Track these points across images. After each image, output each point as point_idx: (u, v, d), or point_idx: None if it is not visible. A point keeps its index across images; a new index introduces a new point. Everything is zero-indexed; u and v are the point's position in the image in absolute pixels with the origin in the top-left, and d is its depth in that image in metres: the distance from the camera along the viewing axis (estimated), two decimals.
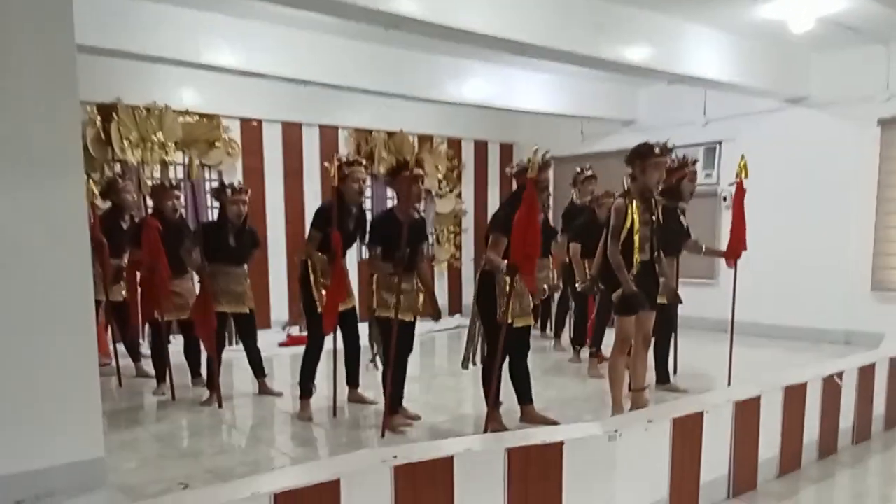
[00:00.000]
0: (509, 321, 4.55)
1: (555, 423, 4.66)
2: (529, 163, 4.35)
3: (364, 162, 5.32)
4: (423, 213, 5.26)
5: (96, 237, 5.86)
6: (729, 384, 5.54)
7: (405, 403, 5.05)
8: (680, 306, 5.64)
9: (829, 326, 8.12)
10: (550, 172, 4.76)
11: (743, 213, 5.48)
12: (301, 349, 5.41)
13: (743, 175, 5.39)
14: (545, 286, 6.20)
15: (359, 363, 5.53)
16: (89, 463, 3.88)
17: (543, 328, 8.75)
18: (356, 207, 5.24)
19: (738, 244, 5.52)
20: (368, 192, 9.88)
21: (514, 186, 4.97)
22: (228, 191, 5.62)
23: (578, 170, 7.39)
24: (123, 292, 6.39)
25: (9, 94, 3.61)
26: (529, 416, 4.91)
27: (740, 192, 5.45)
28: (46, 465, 3.74)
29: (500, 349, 4.47)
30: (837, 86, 8.02)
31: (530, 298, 4.79)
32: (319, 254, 5.09)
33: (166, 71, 7.58)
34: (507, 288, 4.48)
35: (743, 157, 5.45)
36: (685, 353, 6.45)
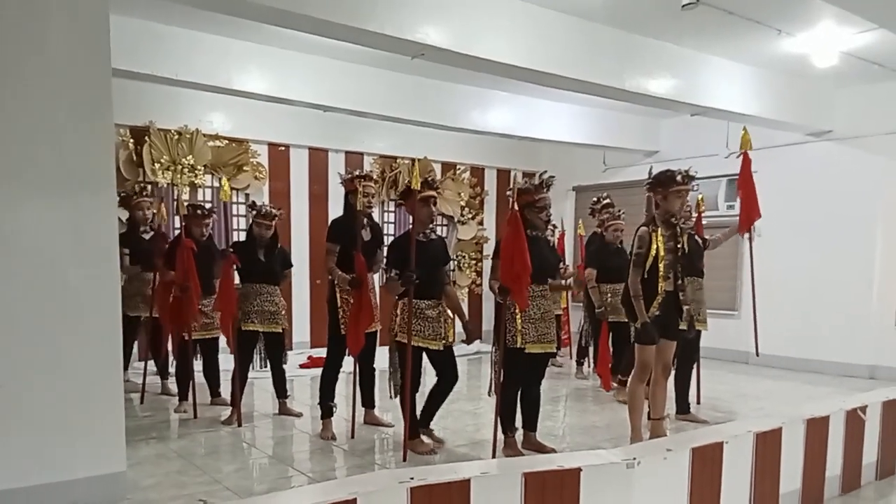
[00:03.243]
0: (519, 346, 4.58)
1: (553, 451, 4.75)
2: (532, 185, 4.47)
3: (375, 178, 5.41)
4: (440, 235, 5.27)
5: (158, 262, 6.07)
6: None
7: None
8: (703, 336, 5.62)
9: (854, 361, 8.01)
10: (550, 194, 4.75)
11: (752, 183, 5.32)
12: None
13: (747, 148, 5.24)
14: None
15: (374, 385, 5.57)
16: (111, 477, 3.95)
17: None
18: (367, 219, 5.32)
19: (750, 213, 5.38)
20: (392, 218, 10.14)
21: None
22: (253, 212, 5.72)
23: (595, 199, 7.42)
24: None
25: (46, 113, 3.75)
26: (530, 443, 4.91)
27: (747, 163, 5.30)
28: (68, 477, 3.81)
29: (502, 374, 4.53)
30: (861, 120, 8.00)
31: (551, 325, 4.79)
32: (340, 272, 5.12)
33: (198, 96, 7.76)
34: (515, 312, 4.52)
35: (745, 128, 5.31)
36: (706, 384, 6.39)
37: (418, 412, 4.97)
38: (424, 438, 4.95)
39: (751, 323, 5.76)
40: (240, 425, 5.54)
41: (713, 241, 5.84)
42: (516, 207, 4.57)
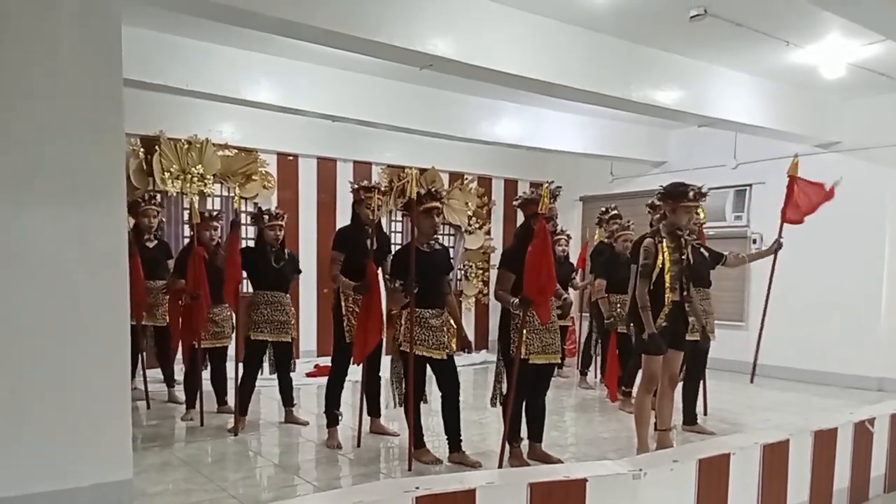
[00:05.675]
0: (524, 357, 4.55)
1: (559, 461, 4.71)
2: (539, 196, 4.38)
3: (382, 188, 5.41)
4: (445, 245, 5.25)
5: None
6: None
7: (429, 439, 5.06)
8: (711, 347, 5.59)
9: (862, 373, 7.95)
10: (557, 204, 4.71)
11: (798, 202, 5.64)
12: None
13: (794, 173, 5.57)
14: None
15: (380, 394, 5.57)
16: (117, 484, 3.95)
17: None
18: (372, 228, 5.32)
19: (795, 214, 5.63)
20: (399, 228, 10.17)
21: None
22: (266, 217, 5.74)
23: (603, 209, 7.46)
24: (167, 317, 6.53)
25: (58, 122, 3.78)
26: (535, 454, 4.88)
27: (791, 187, 5.62)
28: (75, 485, 3.81)
29: (513, 385, 4.49)
30: (870, 131, 7.98)
31: (556, 336, 4.78)
32: (345, 279, 5.13)
33: (207, 106, 7.82)
34: (520, 322, 4.49)
35: (796, 155, 5.65)
36: (713, 395, 6.36)
37: (424, 423, 4.96)
38: (431, 456, 4.88)
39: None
40: (236, 434, 5.54)
41: (737, 259, 5.65)
42: (524, 217, 4.53)
